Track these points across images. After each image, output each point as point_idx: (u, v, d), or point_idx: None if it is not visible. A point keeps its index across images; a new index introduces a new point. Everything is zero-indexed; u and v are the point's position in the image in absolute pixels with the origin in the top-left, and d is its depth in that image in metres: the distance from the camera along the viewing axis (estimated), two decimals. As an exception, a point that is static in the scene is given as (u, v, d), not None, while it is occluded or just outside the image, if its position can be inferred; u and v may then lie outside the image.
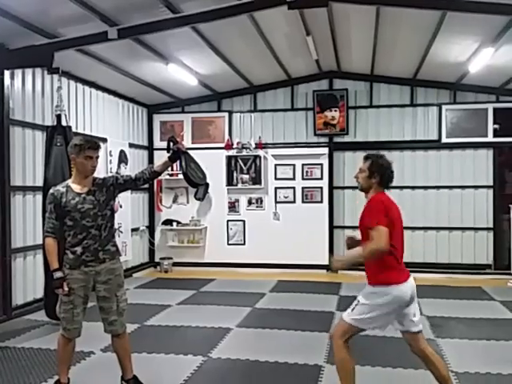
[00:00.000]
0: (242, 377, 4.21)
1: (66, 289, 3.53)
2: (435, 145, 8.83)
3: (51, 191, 3.65)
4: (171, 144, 3.82)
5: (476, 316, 6.04)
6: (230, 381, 4.12)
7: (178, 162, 3.91)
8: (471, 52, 6.86)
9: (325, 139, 9.10)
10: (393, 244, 3.25)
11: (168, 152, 3.82)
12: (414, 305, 3.40)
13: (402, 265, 3.38)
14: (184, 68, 7.50)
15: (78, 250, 3.57)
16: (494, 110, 8.57)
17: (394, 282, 3.25)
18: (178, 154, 3.82)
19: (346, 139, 9.08)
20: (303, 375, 4.16)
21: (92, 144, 3.65)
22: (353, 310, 3.33)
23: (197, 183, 4.06)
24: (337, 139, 9.11)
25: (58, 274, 3.54)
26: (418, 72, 8.28)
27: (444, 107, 8.75)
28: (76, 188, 3.63)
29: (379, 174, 3.40)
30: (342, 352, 3.32)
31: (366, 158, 3.51)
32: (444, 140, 8.77)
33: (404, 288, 3.27)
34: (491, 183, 8.69)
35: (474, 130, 8.63)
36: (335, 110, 9.01)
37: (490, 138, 8.60)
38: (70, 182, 3.71)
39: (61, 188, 3.64)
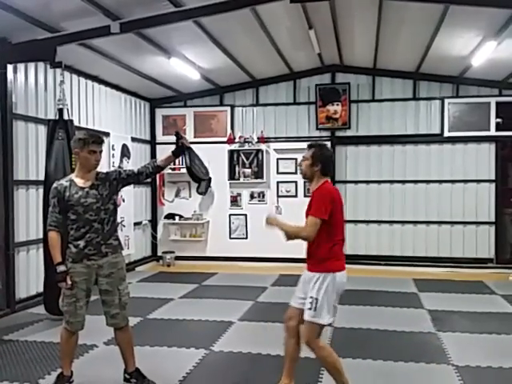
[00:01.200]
0: (244, 370, 4.23)
1: (69, 282, 3.56)
2: (438, 139, 8.81)
3: (54, 185, 3.67)
4: (176, 138, 3.84)
5: (477, 310, 6.06)
6: (233, 373, 4.14)
7: (182, 157, 3.93)
8: (474, 45, 6.84)
9: (327, 133, 9.10)
10: (332, 235, 3.40)
11: (177, 147, 3.83)
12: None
13: (343, 253, 3.53)
14: (186, 62, 7.50)
15: (81, 243, 3.59)
16: (497, 103, 8.54)
17: (339, 269, 3.41)
18: (181, 148, 3.83)
19: (348, 133, 9.08)
20: (305, 368, 4.17)
21: (96, 138, 3.67)
22: (315, 309, 3.35)
23: (201, 178, 4.08)
24: (339, 133, 9.10)
25: (61, 268, 3.56)
26: (421, 65, 8.25)
27: (447, 101, 8.73)
28: (79, 182, 3.65)
29: (321, 163, 3.49)
30: (323, 351, 3.42)
31: (310, 146, 3.62)
32: (446, 134, 8.75)
33: (344, 274, 3.44)
34: (493, 177, 8.68)
35: (477, 123, 8.61)
36: (337, 104, 8.99)
37: (493, 132, 8.58)
38: (73, 176, 3.72)
39: (64, 182, 3.66)
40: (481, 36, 6.46)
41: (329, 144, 9.05)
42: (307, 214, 3.44)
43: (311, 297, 3.36)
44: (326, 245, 3.38)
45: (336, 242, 3.43)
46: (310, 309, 3.37)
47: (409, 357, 4.41)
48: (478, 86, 8.63)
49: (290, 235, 3.50)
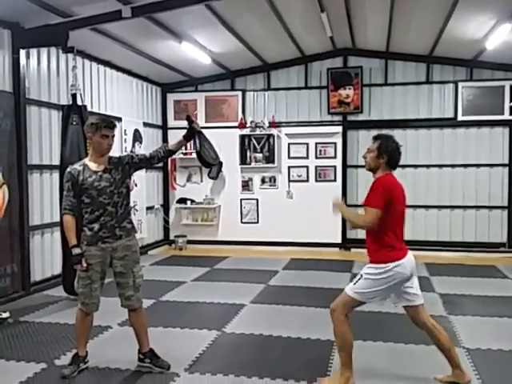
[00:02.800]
0: (255, 351, 4.29)
1: (85, 265, 3.62)
2: (451, 123, 8.74)
3: (68, 169, 3.71)
4: (188, 123, 3.86)
5: (489, 294, 6.06)
6: (244, 354, 4.20)
7: (192, 141, 3.95)
8: (488, 28, 6.74)
9: (339, 118, 9.05)
10: (392, 225, 3.43)
11: (188, 131, 3.85)
12: (415, 279, 3.54)
13: (402, 243, 3.52)
14: (197, 46, 7.48)
15: (96, 226, 3.64)
16: (511, 87, 8.43)
17: (395, 259, 3.37)
18: (192, 132, 3.85)
19: (360, 118, 9.03)
20: (316, 350, 4.23)
21: (108, 123, 3.70)
22: (355, 283, 3.43)
23: (210, 163, 4.10)
24: (351, 118, 9.05)
25: (77, 251, 3.62)
26: (434, 49, 8.15)
27: (460, 84, 8.63)
28: (92, 166, 3.69)
29: (387, 155, 3.46)
30: (343, 325, 3.44)
31: (376, 138, 3.58)
32: (460, 118, 8.67)
33: (404, 264, 3.39)
34: (507, 161, 8.60)
35: (491, 107, 8.51)
36: (349, 88, 8.94)
37: (507, 116, 8.47)
38: (86, 160, 3.77)
39: (78, 166, 3.71)
40: (495, 19, 6.36)
41: (340, 128, 9.03)
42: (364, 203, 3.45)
43: (361, 274, 3.43)
44: (380, 236, 3.40)
45: (393, 233, 3.43)
46: (353, 282, 3.46)
47: (419, 339, 4.41)
48: (492, 69, 8.51)
49: (352, 223, 3.57)
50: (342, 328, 3.44)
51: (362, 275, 3.43)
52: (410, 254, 3.50)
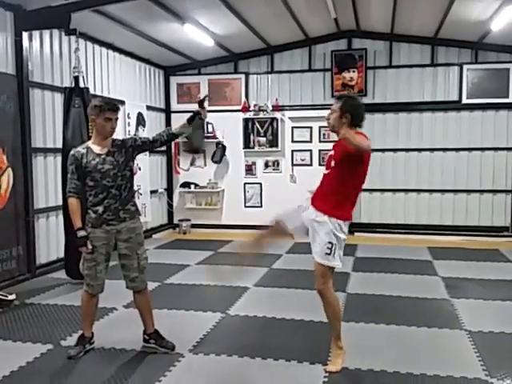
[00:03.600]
0: (259, 332, 4.33)
1: (90, 247, 3.65)
2: (455, 106, 8.68)
3: (72, 152, 3.72)
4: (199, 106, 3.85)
5: (492, 277, 6.07)
6: (248, 336, 4.24)
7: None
8: (493, 10, 6.67)
9: (342, 101, 8.99)
10: (358, 184, 3.50)
11: (193, 115, 3.84)
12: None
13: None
14: (200, 28, 7.42)
15: (100, 209, 3.66)
16: (517, 69, 8.37)
17: (350, 217, 3.50)
18: (196, 117, 3.85)
19: (365, 100, 8.89)
20: (318, 332, 4.26)
21: (111, 106, 3.70)
22: (330, 253, 3.41)
23: (194, 149, 4.11)
24: (355, 101, 8.99)
25: (82, 233, 3.64)
26: (439, 30, 8.07)
27: (465, 67, 8.56)
28: (96, 149, 3.70)
29: (350, 114, 3.45)
30: (334, 297, 3.55)
31: (338, 98, 3.60)
32: (464, 101, 8.61)
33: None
34: (511, 145, 8.57)
35: (496, 90, 8.45)
36: (353, 71, 8.88)
37: (512, 99, 8.44)
38: (89, 143, 3.77)
39: (81, 149, 3.71)
40: (500, 0, 6.28)
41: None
42: (333, 158, 3.46)
43: (329, 242, 3.42)
44: (345, 192, 3.43)
45: (355, 193, 3.49)
46: (328, 254, 3.43)
47: (422, 322, 4.46)
48: (497, 51, 8.43)
49: (355, 146, 3.26)
50: (334, 301, 3.53)
51: (329, 242, 3.40)
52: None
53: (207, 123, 8.85)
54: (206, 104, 3.96)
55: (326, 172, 3.56)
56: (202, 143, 4.07)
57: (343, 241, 3.48)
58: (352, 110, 3.45)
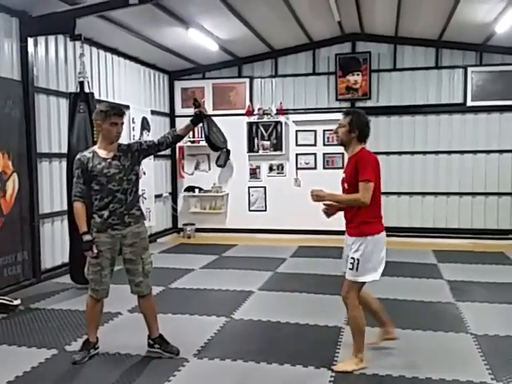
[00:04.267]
0: (263, 336, 4.32)
1: (95, 251, 3.65)
2: (460, 108, 8.66)
3: (78, 157, 3.73)
4: (194, 107, 3.86)
5: (497, 280, 6.04)
6: (253, 340, 4.24)
7: (201, 125, 3.95)
8: (498, 12, 6.65)
9: (347, 104, 8.99)
10: (378, 198, 3.55)
11: (196, 115, 3.85)
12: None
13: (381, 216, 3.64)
14: (204, 33, 7.45)
15: (105, 213, 3.67)
16: (522, 72, 8.34)
17: (380, 230, 3.56)
18: (200, 117, 3.85)
19: (369, 104, 8.96)
20: (323, 336, 4.25)
21: (117, 110, 3.71)
22: (357, 269, 3.49)
23: (218, 146, 4.12)
24: (359, 104, 8.99)
25: (87, 237, 3.65)
26: (444, 33, 8.06)
27: (470, 69, 8.54)
28: (102, 153, 3.71)
29: (358, 129, 3.55)
30: (359, 312, 3.55)
31: (347, 113, 3.69)
32: (469, 103, 8.58)
33: (383, 234, 3.60)
34: (517, 148, 8.55)
35: (500, 92, 8.42)
36: (358, 74, 8.87)
37: (517, 101, 8.40)
38: (95, 147, 3.79)
39: (87, 153, 3.73)
40: (505, 2, 6.26)
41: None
42: (345, 181, 3.59)
43: (354, 258, 3.50)
44: (367, 209, 3.48)
45: (376, 207, 3.54)
46: (351, 269, 3.51)
47: (427, 325, 4.44)
48: (502, 53, 8.41)
49: (347, 203, 3.59)
50: (358, 315, 3.54)
51: (355, 258, 3.49)
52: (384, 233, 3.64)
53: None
54: (200, 102, 3.96)
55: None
56: (221, 140, 4.06)
57: (371, 255, 3.52)
58: (360, 127, 3.57)
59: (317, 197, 3.62)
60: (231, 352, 3.94)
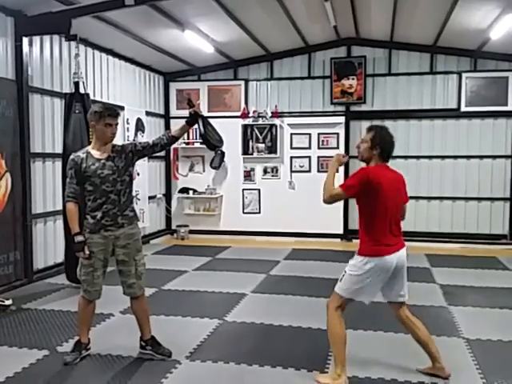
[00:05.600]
0: (256, 339, 4.31)
1: (87, 252, 3.64)
2: (454, 114, 8.70)
3: (72, 157, 3.72)
4: (189, 107, 3.86)
5: (490, 285, 6.07)
6: (245, 343, 4.22)
7: (196, 126, 3.96)
8: (493, 18, 6.70)
9: (341, 108, 9.03)
10: (379, 218, 3.36)
11: (190, 115, 3.85)
12: (402, 276, 3.50)
13: (391, 239, 3.42)
14: (200, 35, 7.45)
15: (98, 214, 3.65)
16: (515, 78, 8.40)
17: (377, 254, 3.33)
18: (195, 117, 3.86)
19: (363, 108, 9.00)
20: (316, 339, 4.25)
21: (112, 111, 3.70)
22: (341, 280, 3.42)
23: (215, 145, 4.12)
24: (354, 108, 9.02)
25: (79, 238, 3.64)
26: (439, 39, 8.11)
27: (464, 75, 8.59)
28: (96, 154, 3.70)
29: (380, 147, 3.42)
30: (334, 320, 3.42)
31: (370, 128, 3.54)
32: (463, 109, 8.63)
33: (388, 258, 3.34)
34: (510, 153, 8.58)
35: (494, 98, 8.48)
36: (353, 78, 8.90)
37: (510, 107, 8.44)
38: (89, 148, 3.77)
39: (81, 154, 3.71)
40: (500, 8, 6.31)
41: (343, 119, 9.00)
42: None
43: (345, 271, 3.42)
44: (365, 228, 3.40)
45: (377, 227, 3.37)
46: (339, 279, 3.44)
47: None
48: (496, 60, 8.47)
49: (324, 186, 3.48)
50: (333, 323, 3.42)
51: (345, 271, 3.42)
52: (402, 251, 3.46)
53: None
54: (195, 103, 3.95)
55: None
56: (217, 138, 4.05)
57: (360, 276, 3.35)
58: (382, 145, 3.42)
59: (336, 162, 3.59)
60: (224, 354, 3.93)
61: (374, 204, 3.34)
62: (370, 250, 3.35)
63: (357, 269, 3.35)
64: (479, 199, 8.74)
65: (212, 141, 4.00)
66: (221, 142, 4.20)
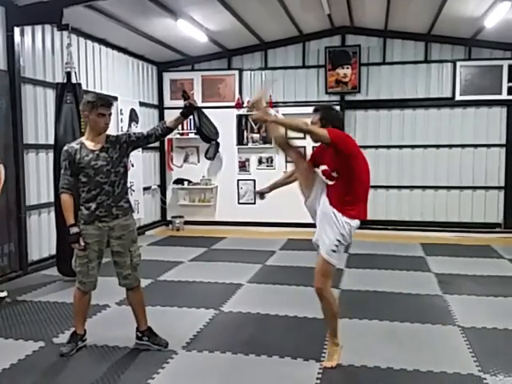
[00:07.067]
0: (252, 329, 4.32)
1: (82, 243, 3.62)
2: (449, 102, 8.70)
3: (65, 148, 3.69)
4: (184, 99, 3.83)
5: (484, 273, 6.10)
6: (241, 333, 4.23)
7: (192, 117, 3.93)
8: (487, 6, 6.67)
9: (336, 97, 9.00)
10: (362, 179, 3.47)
11: (185, 107, 3.82)
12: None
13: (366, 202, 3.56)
14: (194, 24, 7.38)
15: (92, 205, 3.63)
16: (510, 66, 8.37)
17: (360, 217, 3.53)
18: (190, 109, 3.83)
19: (358, 97, 8.97)
20: (312, 328, 4.26)
21: (105, 101, 3.67)
22: (338, 253, 3.52)
23: (210, 138, 4.10)
24: (348, 97, 9.00)
25: (74, 230, 3.62)
26: (433, 27, 8.08)
27: (458, 64, 8.58)
28: (89, 145, 3.67)
29: (330, 124, 3.46)
30: (332, 296, 3.57)
31: (316, 110, 3.59)
32: (458, 98, 8.63)
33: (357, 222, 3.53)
34: (504, 141, 8.60)
35: (489, 87, 8.48)
36: (347, 68, 8.87)
37: (505, 96, 8.44)
38: (83, 139, 3.74)
39: (75, 145, 3.68)
40: (495, -4, 6.30)
41: (338, 108, 8.95)
42: (330, 171, 3.49)
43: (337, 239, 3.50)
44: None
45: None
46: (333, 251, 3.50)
47: (415, 318, 4.48)
48: (490, 48, 8.45)
49: (294, 127, 3.51)
50: (332, 296, 3.56)
51: (339, 241, 3.52)
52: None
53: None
54: (190, 94, 3.93)
55: (331, 183, 3.53)
56: (213, 131, 4.05)
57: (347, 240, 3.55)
58: (331, 121, 3.48)
59: (259, 119, 3.50)
60: (220, 344, 3.93)
61: (362, 166, 3.47)
62: (360, 214, 3.55)
63: (348, 234, 3.57)
64: (474, 188, 8.76)
65: (208, 134, 3.98)
66: (216, 134, 4.20)
